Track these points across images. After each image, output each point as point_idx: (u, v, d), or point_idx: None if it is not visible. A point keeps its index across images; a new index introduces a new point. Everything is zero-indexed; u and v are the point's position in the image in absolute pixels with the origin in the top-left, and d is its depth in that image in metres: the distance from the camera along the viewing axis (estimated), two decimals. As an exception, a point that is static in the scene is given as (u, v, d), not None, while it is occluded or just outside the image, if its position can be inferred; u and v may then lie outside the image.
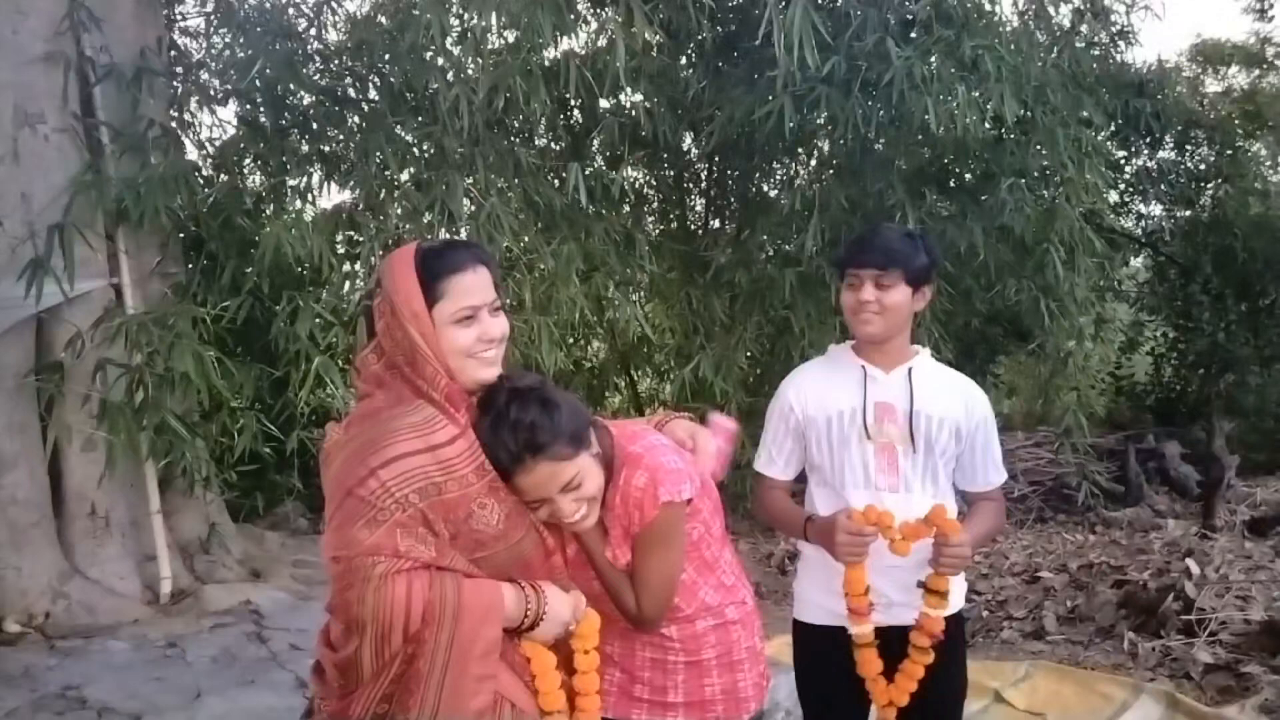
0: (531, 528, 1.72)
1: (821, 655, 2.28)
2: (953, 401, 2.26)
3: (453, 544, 1.61)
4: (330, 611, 1.65)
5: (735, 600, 2.04)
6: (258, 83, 5.41)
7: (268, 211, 5.76)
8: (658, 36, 5.12)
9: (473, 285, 1.68)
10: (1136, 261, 10.52)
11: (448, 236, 4.90)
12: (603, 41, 5.53)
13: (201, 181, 5.46)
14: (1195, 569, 4.80)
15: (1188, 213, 9.64)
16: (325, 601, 1.70)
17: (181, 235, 5.29)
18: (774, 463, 2.37)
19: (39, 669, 4.00)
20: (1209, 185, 9.51)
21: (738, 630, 2.03)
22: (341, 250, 5.59)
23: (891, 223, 4.89)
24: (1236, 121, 9.42)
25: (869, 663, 2.20)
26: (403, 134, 5.32)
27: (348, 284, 5.31)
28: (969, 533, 2.20)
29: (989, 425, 2.31)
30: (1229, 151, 9.23)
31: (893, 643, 2.20)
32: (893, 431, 2.23)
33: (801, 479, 2.42)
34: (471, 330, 1.68)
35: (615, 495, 1.83)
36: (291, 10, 5.93)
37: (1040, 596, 5.26)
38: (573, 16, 5.08)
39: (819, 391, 2.30)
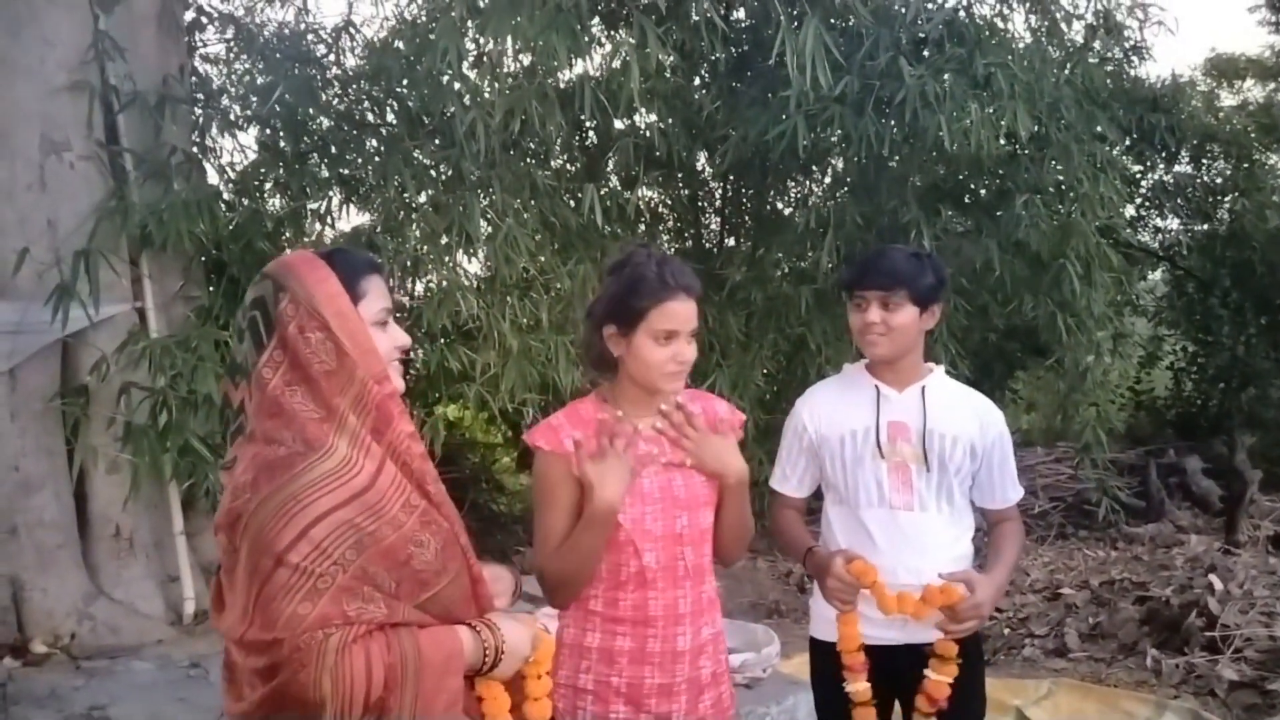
0: (463, 556, 1.59)
1: (839, 672, 2.28)
2: (967, 419, 2.27)
3: (398, 592, 1.47)
4: (241, 714, 1.46)
5: (719, 609, 2.11)
6: (278, 108, 5.49)
7: (288, 235, 5.82)
8: (671, 58, 5.17)
9: (384, 288, 1.60)
10: (1154, 276, 10.46)
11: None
12: (617, 64, 5.59)
13: (223, 206, 5.52)
14: (1219, 585, 4.76)
15: (1205, 226, 9.60)
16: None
17: (204, 259, 5.36)
18: (788, 480, 2.39)
19: (65, 689, 4.04)
20: (1226, 199, 9.46)
21: (722, 643, 2.10)
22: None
23: (901, 242, 4.91)
24: (1253, 134, 9.38)
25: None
26: (420, 157, 5.38)
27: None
28: (998, 573, 2.23)
29: (1004, 442, 2.31)
30: (1245, 165, 9.18)
31: (908, 660, 2.21)
32: (906, 450, 2.24)
33: (818, 495, 2.44)
34: (388, 335, 1.59)
35: (698, 415, 2.05)
36: (310, 37, 6.02)
37: (1062, 613, 5.23)
38: (587, 39, 5.13)
39: (832, 410, 2.32)
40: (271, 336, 1.50)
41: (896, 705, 2.33)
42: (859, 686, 2.18)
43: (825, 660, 2.33)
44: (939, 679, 2.14)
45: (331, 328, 1.49)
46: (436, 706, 1.45)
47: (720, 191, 7.51)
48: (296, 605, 1.37)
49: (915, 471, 2.23)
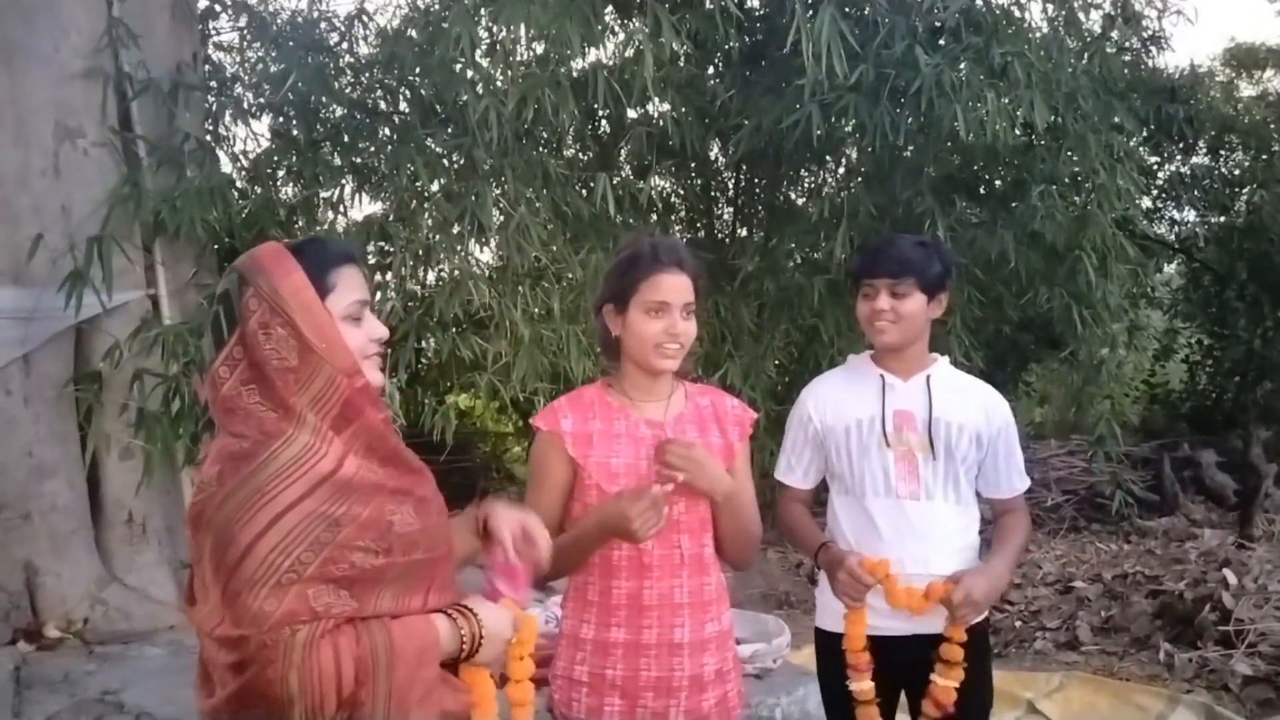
0: (438, 512, 1.58)
1: (843, 663, 2.28)
2: (972, 408, 2.27)
3: (389, 556, 1.45)
4: (211, 709, 1.44)
5: (727, 606, 2.09)
6: (290, 96, 5.49)
7: (300, 223, 5.82)
8: (685, 47, 5.14)
9: (358, 279, 1.54)
10: (1170, 268, 10.39)
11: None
12: (630, 52, 5.56)
13: (236, 194, 5.53)
14: (1232, 579, 4.73)
15: (1222, 218, 9.52)
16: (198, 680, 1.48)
17: (216, 247, 5.36)
18: (793, 471, 2.40)
19: (78, 674, 4.07)
20: (1244, 190, 9.38)
21: (729, 640, 2.08)
22: (373, 261, 5.65)
23: (916, 232, 4.88)
24: (1272, 125, 9.28)
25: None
26: (433, 145, 5.36)
27: (378, 294, 5.35)
28: (994, 563, 2.22)
29: (1010, 431, 2.31)
30: (1264, 156, 9.10)
31: (915, 651, 2.20)
32: (912, 439, 2.24)
33: (823, 487, 2.43)
34: (362, 329, 1.53)
35: (707, 407, 2.07)
36: (323, 25, 6.01)
37: (1074, 607, 5.20)
38: (600, 28, 5.10)
39: (838, 400, 2.32)
40: (233, 332, 1.46)
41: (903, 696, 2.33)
42: (863, 686, 2.18)
43: (831, 652, 2.33)
44: (946, 684, 2.14)
45: (295, 323, 1.45)
46: (411, 698, 1.43)
47: (733, 181, 7.48)
48: (262, 602, 1.35)
49: (921, 460, 2.24)
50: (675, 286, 1.95)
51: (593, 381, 2.15)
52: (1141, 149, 7.75)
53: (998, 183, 6.46)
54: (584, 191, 5.62)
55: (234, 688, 1.39)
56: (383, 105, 6.02)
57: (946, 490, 2.24)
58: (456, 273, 5.16)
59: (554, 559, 1.97)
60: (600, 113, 6.30)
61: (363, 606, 1.42)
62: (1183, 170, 9.35)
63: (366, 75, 6.07)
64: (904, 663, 2.21)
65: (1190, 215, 9.73)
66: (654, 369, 2.00)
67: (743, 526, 2.05)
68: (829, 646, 2.34)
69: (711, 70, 6.30)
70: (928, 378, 2.28)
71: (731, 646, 2.09)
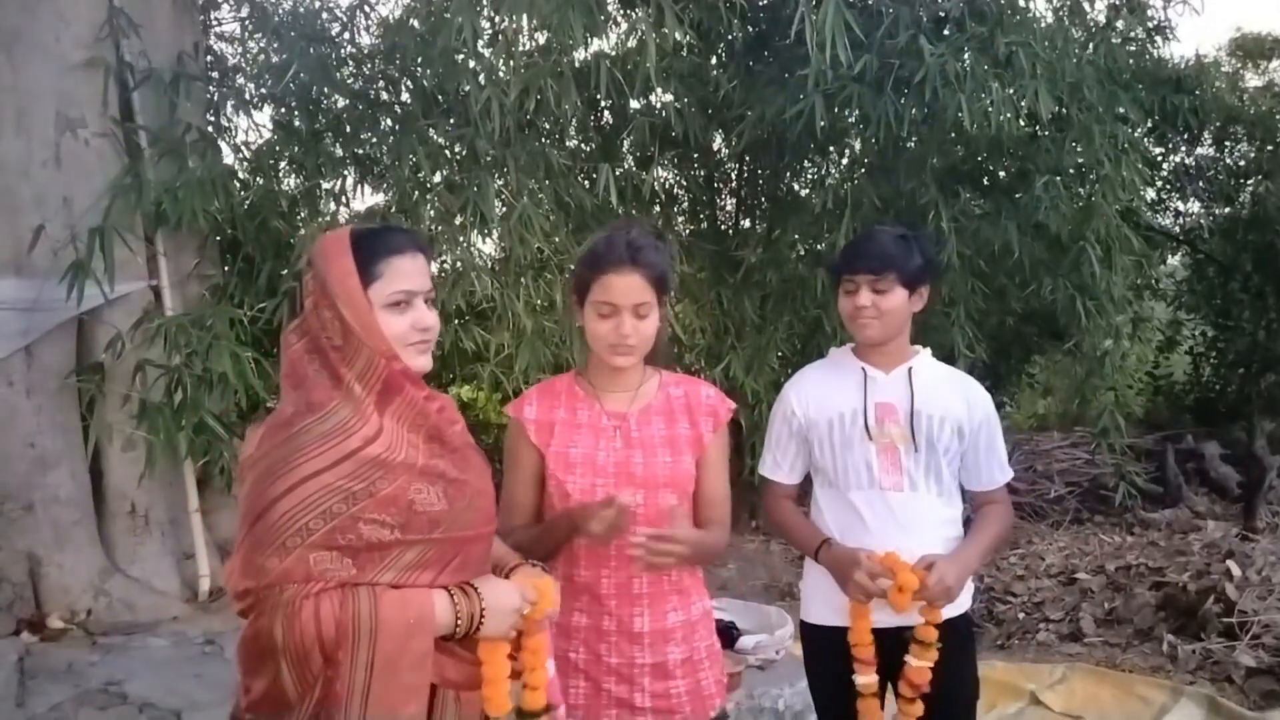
0: (475, 495, 1.64)
1: (828, 655, 2.28)
2: (954, 400, 2.28)
3: (404, 533, 1.52)
4: (237, 653, 1.54)
5: (699, 596, 2.08)
6: (292, 87, 5.47)
7: (303, 214, 5.82)
8: (688, 36, 5.12)
9: (410, 269, 1.61)
10: (1174, 260, 10.37)
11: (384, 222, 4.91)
12: (633, 42, 5.54)
13: (238, 185, 5.52)
14: (1236, 571, 4.73)
15: (1227, 210, 9.49)
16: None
17: (219, 238, 5.36)
18: (779, 467, 2.39)
19: (81, 664, 4.07)
20: (1249, 182, 9.35)
21: (700, 629, 2.06)
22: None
23: (912, 223, 4.87)
24: (1278, 117, 9.24)
25: (872, 713, 2.20)
26: (435, 136, 5.35)
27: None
28: (965, 550, 2.21)
29: (992, 423, 2.32)
30: (1269, 147, 9.06)
31: (895, 643, 2.19)
32: (894, 431, 2.24)
33: (806, 483, 2.42)
34: (406, 317, 1.60)
35: (679, 397, 2.05)
36: (325, 15, 5.99)
37: (1077, 598, 5.20)
38: (603, 18, 5.08)
39: (820, 394, 2.33)
40: (305, 306, 1.62)
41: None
42: (869, 679, 2.18)
43: (821, 644, 2.33)
44: (920, 664, 2.14)
45: (337, 306, 1.56)
46: (400, 666, 1.49)
47: (736, 172, 7.46)
48: (266, 559, 1.47)
49: (904, 452, 2.24)
50: (624, 288, 1.90)
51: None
52: (1146, 140, 7.71)
53: (1002, 173, 6.44)
54: (586, 182, 5.60)
55: (241, 633, 1.52)
56: (385, 96, 6.00)
57: (929, 482, 2.25)
58: (459, 264, 5.15)
59: (525, 550, 1.97)
60: (603, 103, 6.28)
61: (362, 575, 1.51)
62: (1187, 161, 9.33)
63: (368, 66, 6.06)
64: (888, 656, 2.21)
65: (1195, 207, 9.72)
66: (608, 366, 2.00)
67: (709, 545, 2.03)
68: (819, 639, 2.34)
69: (715, 60, 6.27)
70: (909, 370, 2.29)
71: (706, 635, 2.07)
